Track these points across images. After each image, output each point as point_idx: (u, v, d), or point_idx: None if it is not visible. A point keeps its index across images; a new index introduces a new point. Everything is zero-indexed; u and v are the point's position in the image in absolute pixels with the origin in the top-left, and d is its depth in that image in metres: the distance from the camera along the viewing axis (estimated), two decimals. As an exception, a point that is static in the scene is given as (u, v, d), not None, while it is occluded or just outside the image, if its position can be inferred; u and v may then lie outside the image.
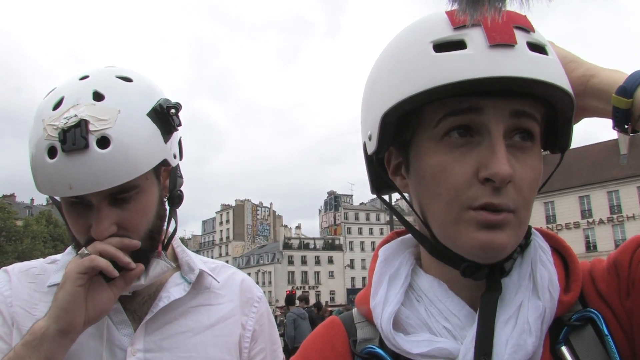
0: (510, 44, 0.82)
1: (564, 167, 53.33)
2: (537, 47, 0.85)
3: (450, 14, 0.87)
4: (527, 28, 0.86)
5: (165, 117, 1.24)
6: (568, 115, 0.90)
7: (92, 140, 1.12)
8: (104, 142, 1.13)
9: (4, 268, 1.40)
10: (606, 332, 0.83)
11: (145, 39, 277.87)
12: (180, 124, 1.29)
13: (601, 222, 51.55)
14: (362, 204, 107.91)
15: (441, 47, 0.84)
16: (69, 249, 1.38)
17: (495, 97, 0.84)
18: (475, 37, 0.83)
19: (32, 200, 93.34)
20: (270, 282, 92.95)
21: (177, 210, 1.40)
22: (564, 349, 0.84)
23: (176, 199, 1.37)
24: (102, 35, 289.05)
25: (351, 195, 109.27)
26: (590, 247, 51.75)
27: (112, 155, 1.13)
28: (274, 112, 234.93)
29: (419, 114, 0.90)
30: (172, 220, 1.37)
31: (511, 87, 0.82)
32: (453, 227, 0.87)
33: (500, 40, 0.82)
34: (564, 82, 0.85)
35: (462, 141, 0.85)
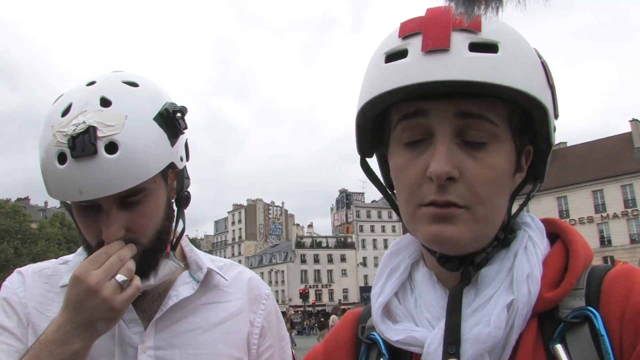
0: (443, 48, 0.85)
1: (577, 161, 53.06)
2: (484, 47, 0.86)
3: (402, 23, 0.93)
4: (472, 30, 0.87)
5: (171, 121, 1.27)
6: (534, 114, 0.91)
7: (101, 146, 1.14)
8: (112, 147, 1.15)
9: (18, 269, 1.44)
10: (602, 332, 0.82)
11: (168, 39, 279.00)
12: (186, 127, 1.32)
13: (615, 216, 51.13)
14: (373, 201, 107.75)
15: (390, 57, 0.90)
16: (80, 250, 1.41)
17: (440, 99, 0.87)
18: (414, 45, 0.88)
19: (46, 203, 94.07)
20: (283, 281, 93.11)
21: (187, 210, 1.43)
22: (558, 347, 0.83)
23: (184, 200, 1.40)
24: (126, 36, 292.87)
25: (363, 193, 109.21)
26: (605, 241, 51.35)
27: (120, 160, 1.15)
28: (294, 111, 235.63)
29: (388, 117, 0.97)
30: (180, 221, 1.40)
31: (450, 89, 0.85)
32: (412, 222, 0.93)
33: (433, 46, 0.85)
34: (507, 80, 0.84)
35: (417, 142, 0.91)
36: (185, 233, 1.46)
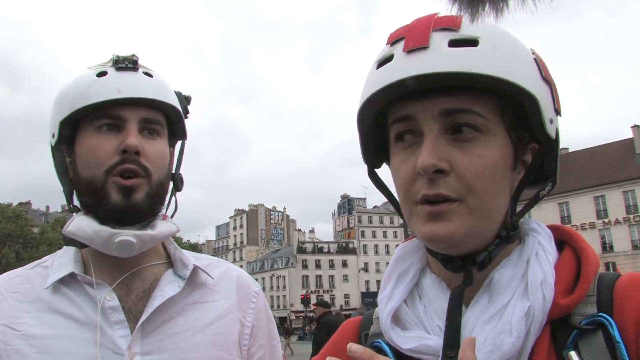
0: (423, 46, 0.89)
1: (579, 167, 52.93)
2: (463, 42, 0.89)
3: (391, 33, 0.98)
4: (452, 28, 0.91)
5: (183, 100, 1.50)
6: (525, 104, 0.91)
7: (140, 69, 1.39)
8: (148, 74, 1.39)
9: None
10: (618, 338, 0.82)
11: (176, 44, 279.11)
12: (188, 115, 1.53)
13: (617, 222, 50.97)
14: (375, 207, 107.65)
15: (380, 63, 0.95)
16: (62, 251, 1.37)
17: (426, 100, 0.90)
18: (399, 48, 0.93)
19: (47, 207, 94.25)
20: (284, 287, 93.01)
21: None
22: (572, 353, 0.84)
23: (179, 181, 1.51)
24: (133, 40, 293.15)
25: (364, 199, 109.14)
26: (607, 247, 51.22)
27: (155, 82, 1.39)
28: (300, 117, 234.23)
29: (387, 124, 1.00)
30: (173, 199, 1.49)
31: (432, 85, 0.89)
32: (410, 221, 0.95)
33: (413, 45, 0.90)
34: (486, 69, 0.87)
35: (409, 143, 0.94)
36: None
